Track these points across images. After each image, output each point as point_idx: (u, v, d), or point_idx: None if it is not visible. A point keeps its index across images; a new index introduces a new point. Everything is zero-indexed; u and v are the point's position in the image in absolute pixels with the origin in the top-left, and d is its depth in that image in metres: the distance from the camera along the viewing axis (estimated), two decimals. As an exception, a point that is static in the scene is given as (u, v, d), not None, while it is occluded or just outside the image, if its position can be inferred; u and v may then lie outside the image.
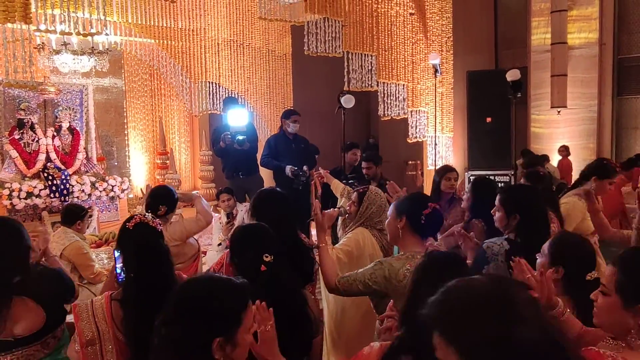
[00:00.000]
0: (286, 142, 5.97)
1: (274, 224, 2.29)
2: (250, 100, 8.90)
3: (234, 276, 1.67)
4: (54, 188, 6.02)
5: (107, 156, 8.08)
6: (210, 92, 8.63)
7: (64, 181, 6.10)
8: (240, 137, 5.90)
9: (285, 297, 2.01)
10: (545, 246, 2.11)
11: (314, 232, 5.10)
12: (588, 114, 9.84)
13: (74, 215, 4.10)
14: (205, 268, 4.06)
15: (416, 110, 8.83)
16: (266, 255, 2.02)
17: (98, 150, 7.46)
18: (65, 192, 6.07)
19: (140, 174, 9.19)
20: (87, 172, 6.66)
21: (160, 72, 8.90)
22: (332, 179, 4.49)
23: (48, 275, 2.34)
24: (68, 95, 6.70)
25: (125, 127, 8.57)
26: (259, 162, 6.20)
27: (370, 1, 7.99)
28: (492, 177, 7.29)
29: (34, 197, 5.90)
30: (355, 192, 3.25)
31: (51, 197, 6.01)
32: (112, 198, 6.79)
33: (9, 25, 5.34)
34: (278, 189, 3.17)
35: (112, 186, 6.74)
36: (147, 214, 2.31)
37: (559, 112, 9.78)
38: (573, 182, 4.01)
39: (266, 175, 6.42)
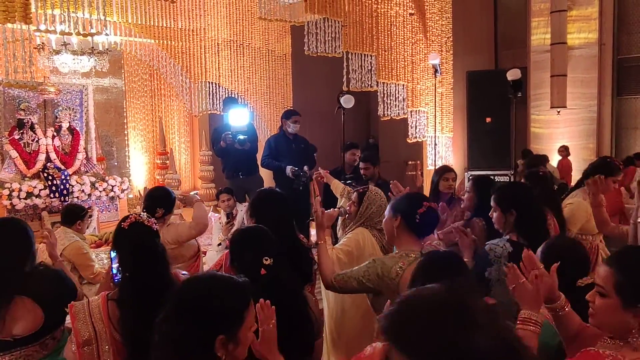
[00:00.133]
0: (286, 142, 5.98)
1: (273, 224, 2.29)
2: (250, 100, 8.90)
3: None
4: (53, 188, 6.02)
5: (107, 156, 8.08)
6: (210, 92, 8.63)
7: (64, 181, 6.10)
8: (242, 137, 5.90)
9: (286, 298, 2.02)
10: (539, 250, 2.12)
11: (313, 232, 5.11)
12: (588, 114, 9.84)
13: (74, 215, 4.10)
14: (205, 268, 4.05)
15: (416, 111, 8.83)
16: (266, 258, 2.03)
17: (98, 150, 7.46)
18: (65, 192, 6.07)
19: (140, 174, 9.19)
20: (87, 172, 6.66)
21: (160, 72, 8.90)
22: (332, 179, 4.49)
23: (49, 275, 2.34)
24: (68, 95, 6.71)
25: (125, 127, 8.57)
26: (258, 162, 6.21)
27: (370, 1, 7.99)
28: (492, 177, 7.29)
29: (33, 197, 5.91)
30: (355, 192, 3.25)
31: (51, 197, 6.01)
32: (112, 198, 6.80)
33: (9, 25, 5.33)
34: (277, 189, 3.17)
35: (112, 186, 6.75)
36: (142, 213, 2.31)
37: (558, 112, 9.79)
38: (576, 182, 3.98)
39: (266, 176, 6.42)
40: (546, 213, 2.86)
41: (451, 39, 9.17)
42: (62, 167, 6.27)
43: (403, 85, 8.56)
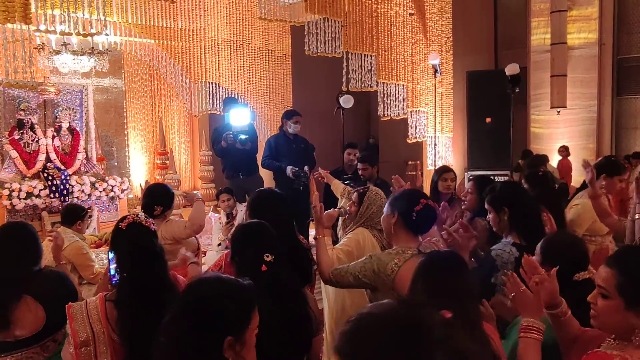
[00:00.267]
0: (286, 143, 5.98)
1: (273, 224, 2.29)
2: (250, 100, 8.90)
3: (235, 277, 1.68)
4: (53, 188, 6.02)
5: (107, 156, 8.09)
6: (210, 92, 8.64)
7: (64, 181, 6.10)
8: (243, 137, 5.89)
9: (287, 297, 2.03)
10: (538, 246, 2.12)
11: (313, 232, 5.10)
12: (588, 114, 9.83)
13: (74, 216, 4.09)
14: (205, 268, 4.05)
15: (416, 111, 8.83)
16: (267, 254, 2.03)
17: (98, 150, 7.46)
18: (65, 192, 6.07)
19: (140, 174, 9.20)
20: (87, 172, 6.66)
21: (160, 73, 8.90)
22: (333, 179, 4.49)
23: (51, 277, 2.36)
24: (68, 95, 6.71)
25: (125, 127, 8.58)
26: (259, 162, 6.20)
27: (370, 1, 8.00)
28: (491, 177, 7.29)
29: (33, 197, 5.90)
30: (355, 193, 3.25)
31: (51, 197, 6.01)
32: (112, 198, 6.80)
33: (9, 25, 5.33)
34: (277, 189, 3.17)
35: (112, 186, 6.74)
36: (140, 213, 2.31)
37: (558, 112, 9.78)
38: (581, 183, 3.96)
39: (266, 176, 6.42)
40: (541, 209, 2.85)
41: (451, 39, 9.18)
42: (62, 167, 6.27)
43: (403, 85, 8.57)
